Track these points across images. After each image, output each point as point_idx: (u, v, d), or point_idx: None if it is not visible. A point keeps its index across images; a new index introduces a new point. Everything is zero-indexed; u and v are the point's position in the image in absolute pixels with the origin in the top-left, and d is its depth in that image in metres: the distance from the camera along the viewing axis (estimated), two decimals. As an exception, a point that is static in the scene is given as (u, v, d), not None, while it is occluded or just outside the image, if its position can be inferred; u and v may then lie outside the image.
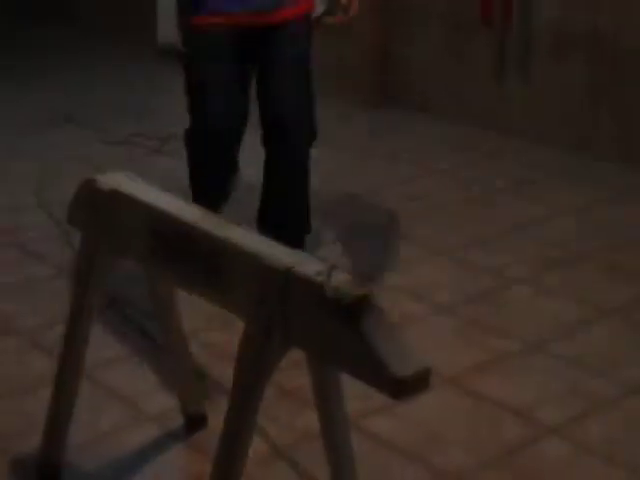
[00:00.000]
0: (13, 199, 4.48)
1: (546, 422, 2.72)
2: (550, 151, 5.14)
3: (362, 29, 5.90)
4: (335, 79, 6.03)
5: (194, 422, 2.69)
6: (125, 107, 5.90)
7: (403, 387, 1.84)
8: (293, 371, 2.78)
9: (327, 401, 2.22)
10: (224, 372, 2.56)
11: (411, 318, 2.98)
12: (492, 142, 5.47)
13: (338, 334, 1.87)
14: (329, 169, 4.76)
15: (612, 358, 2.83)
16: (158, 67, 6.62)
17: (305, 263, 1.97)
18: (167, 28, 6.63)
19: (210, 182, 3.74)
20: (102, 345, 2.74)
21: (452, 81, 5.56)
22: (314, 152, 3.73)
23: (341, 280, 1.91)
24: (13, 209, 4.35)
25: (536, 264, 3.51)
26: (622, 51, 4.39)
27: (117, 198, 2.24)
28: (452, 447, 2.66)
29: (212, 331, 3.05)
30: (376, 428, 2.77)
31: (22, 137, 5.28)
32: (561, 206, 4.47)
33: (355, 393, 2.54)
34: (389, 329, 1.88)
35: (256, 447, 2.44)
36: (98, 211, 2.29)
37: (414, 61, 5.65)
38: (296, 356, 2.26)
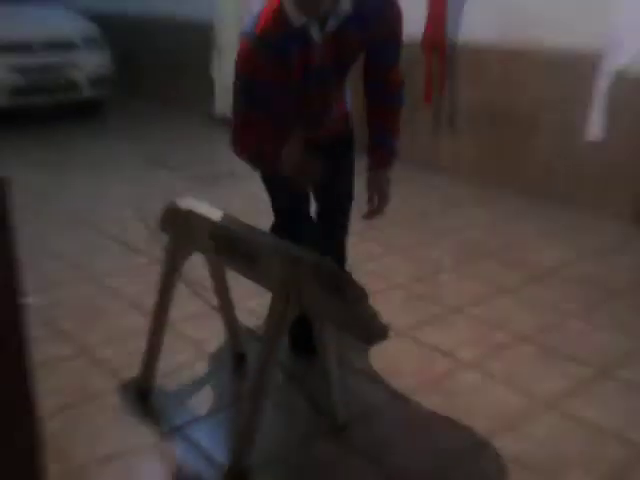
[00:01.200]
0: (119, 213, 4.73)
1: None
2: (471, 188, 5.21)
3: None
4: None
5: (237, 358, 2.87)
6: (193, 156, 6.31)
7: (372, 336, 1.93)
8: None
9: (324, 345, 2.35)
10: (257, 325, 2.83)
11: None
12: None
13: (329, 302, 1.95)
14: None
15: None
16: (213, 130, 6.96)
17: (310, 255, 2.09)
18: (219, 106, 7.12)
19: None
20: (179, 308, 2.82)
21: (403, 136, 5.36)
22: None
23: (332, 267, 2.02)
24: (119, 219, 4.59)
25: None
26: (511, 118, 4.69)
27: (190, 214, 2.47)
28: None
29: (250, 299, 3.08)
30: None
31: (124, 173, 5.65)
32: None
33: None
34: (364, 298, 1.95)
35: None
36: (178, 222, 2.52)
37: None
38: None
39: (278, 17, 2.19)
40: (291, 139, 2.41)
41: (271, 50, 2.19)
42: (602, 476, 2.21)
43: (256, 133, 2.34)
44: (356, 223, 2.83)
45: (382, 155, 2.55)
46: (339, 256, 2.91)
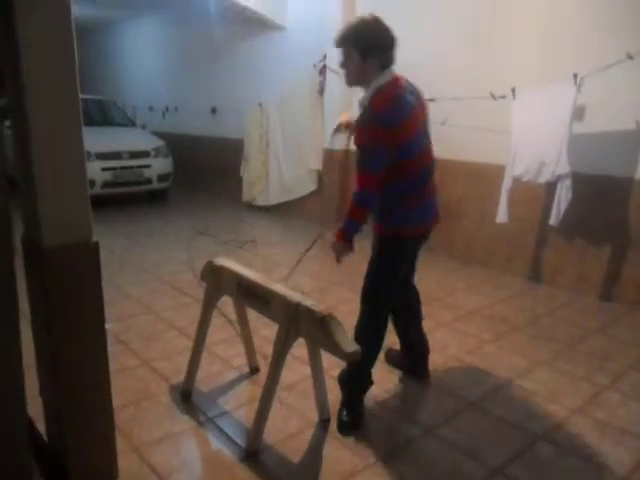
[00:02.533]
0: (174, 266, 4.70)
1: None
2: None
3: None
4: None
5: (253, 370, 2.87)
6: (226, 228, 6.18)
7: (348, 356, 1.90)
8: (298, 349, 2.64)
9: (314, 360, 2.33)
10: (268, 348, 2.57)
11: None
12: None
13: (318, 330, 1.96)
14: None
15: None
16: (241, 211, 7.04)
17: (306, 300, 2.07)
18: (245, 196, 7.21)
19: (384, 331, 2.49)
20: (213, 334, 2.91)
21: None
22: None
23: (318, 306, 2.02)
24: (174, 271, 4.58)
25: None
26: (445, 208, 4.04)
27: (222, 269, 2.51)
28: None
29: (263, 329, 3.00)
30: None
31: (179, 239, 5.57)
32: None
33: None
34: (341, 329, 1.95)
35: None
36: (214, 274, 2.54)
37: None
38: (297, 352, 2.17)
39: None
40: None
41: None
42: (507, 456, 2.15)
43: None
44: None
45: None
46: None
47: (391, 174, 2.19)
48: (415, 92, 2.32)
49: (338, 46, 2.23)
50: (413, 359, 2.76)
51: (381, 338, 2.41)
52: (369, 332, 2.37)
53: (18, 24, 1.44)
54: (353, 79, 2.25)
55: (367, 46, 2.17)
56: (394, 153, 2.14)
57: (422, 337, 2.74)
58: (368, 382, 2.46)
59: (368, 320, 2.38)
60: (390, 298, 2.43)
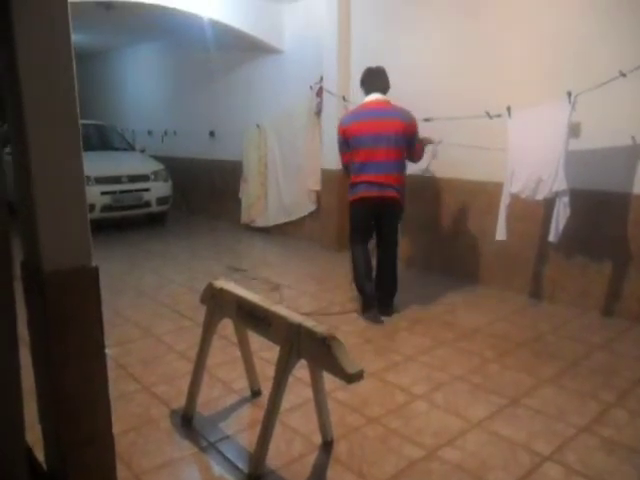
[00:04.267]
0: (173, 289, 4.69)
1: None
2: (415, 272, 4.95)
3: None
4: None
5: (255, 393, 2.84)
6: (225, 250, 6.17)
7: (351, 377, 1.88)
8: (300, 371, 2.60)
9: (316, 382, 2.32)
10: (269, 370, 2.52)
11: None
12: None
13: (320, 352, 1.94)
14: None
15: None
16: (240, 233, 7.02)
17: (307, 321, 2.07)
18: (243, 217, 7.25)
19: (359, 265, 3.92)
20: (214, 357, 2.93)
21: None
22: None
23: (320, 327, 2.01)
24: (172, 294, 4.56)
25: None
26: (442, 225, 4.03)
27: (222, 291, 2.51)
28: None
29: (264, 351, 3.00)
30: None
31: (180, 261, 5.65)
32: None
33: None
34: (344, 350, 1.93)
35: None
36: (214, 296, 2.54)
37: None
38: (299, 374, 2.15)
39: None
40: None
41: None
42: (516, 475, 2.14)
43: None
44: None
45: None
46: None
47: (349, 158, 3.83)
48: (394, 114, 3.73)
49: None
50: (379, 292, 3.93)
51: (357, 263, 3.87)
52: (352, 260, 3.94)
53: (18, 51, 1.47)
54: None
55: (362, 80, 3.94)
56: (344, 142, 3.84)
57: (388, 279, 3.95)
58: (365, 292, 3.86)
59: (352, 254, 3.95)
60: (351, 240, 3.94)
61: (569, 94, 3.55)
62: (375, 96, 3.80)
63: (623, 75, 3.45)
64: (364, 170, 3.73)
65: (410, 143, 3.81)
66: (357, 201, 3.82)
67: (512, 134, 3.91)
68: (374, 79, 3.83)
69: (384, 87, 3.84)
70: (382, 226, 3.90)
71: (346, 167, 3.95)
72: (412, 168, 5.00)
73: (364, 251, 3.92)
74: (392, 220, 3.88)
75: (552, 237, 3.74)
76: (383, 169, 3.71)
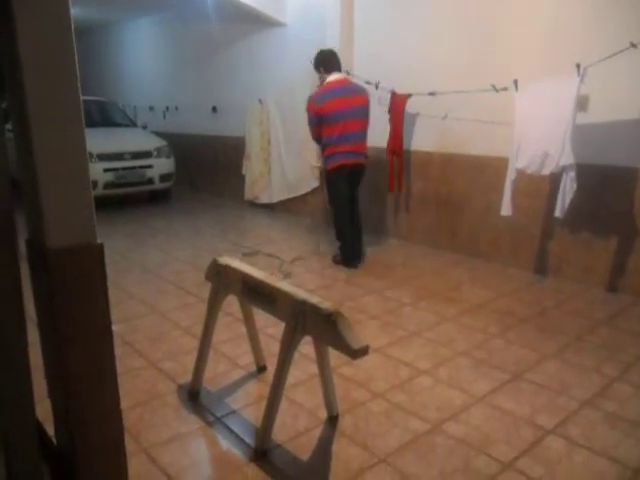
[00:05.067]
0: (178, 266, 4.69)
1: None
2: (421, 248, 5.15)
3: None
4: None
5: (260, 369, 2.87)
6: (228, 227, 6.18)
7: (355, 353, 1.89)
8: (305, 347, 2.61)
9: (321, 358, 2.33)
10: (275, 346, 2.53)
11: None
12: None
13: (325, 327, 1.94)
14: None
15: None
16: (244, 210, 6.99)
17: (312, 297, 2.06)
18: (247, 194, 7.17)
19: (344, 224, 4.47)
20: (219, 333, 2.97)
21: (375, 213, 5.64)
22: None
23: (325, 303, 2.01)
24: (177, 271, 4.56)
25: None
26: (448, 201, 4.15)
27: (227, 268, 2.50)
28: None
29: (269, 327, 3.06)
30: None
31: (183, 238, 5.81)
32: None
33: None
34: (349, 326, 1.93)
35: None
36: (219, 273, 2.52)
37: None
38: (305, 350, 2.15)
39: None
40: None
41: None
42: (518, 448, 2.16)
43: None
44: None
45: None
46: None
47: (321, 132, 4.24)
48: (354, 90, 4.28)
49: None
50: (357, 244, 4.55)
51: (344, 223, 4.41)
52: (339, 221, 4.45)
53: (18, 28, 1.44)
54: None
55: (320, 62, 4.41)
56: (320, 120, 4.22)
57: (361, 231, 4.57)
58: (355, 248, 4.46)
59: (334, 215, 4.51)
60: (337, 204, 4.42)
61: (578, 66, 3.47)
62: (337, 75, 4.31)
63: (634, 46, 3.37)
64: (342, 141, 4.23)
65: (368, 114, 4.40)
66: (338, 168, 4.32)
67: (519, 108, 3.83)
68: (333, 60, 4.35)
69: (340, 66, 4.42)
70: (353, 188, 4.49)
71: (318, 140, 4.41)
72: (417, 144, 5.04)
73: (350, 212, 4.51)
74: (360, 182, 4.52)
75: (558, 212, 3.72)
76: (356, 139, 4.29)
